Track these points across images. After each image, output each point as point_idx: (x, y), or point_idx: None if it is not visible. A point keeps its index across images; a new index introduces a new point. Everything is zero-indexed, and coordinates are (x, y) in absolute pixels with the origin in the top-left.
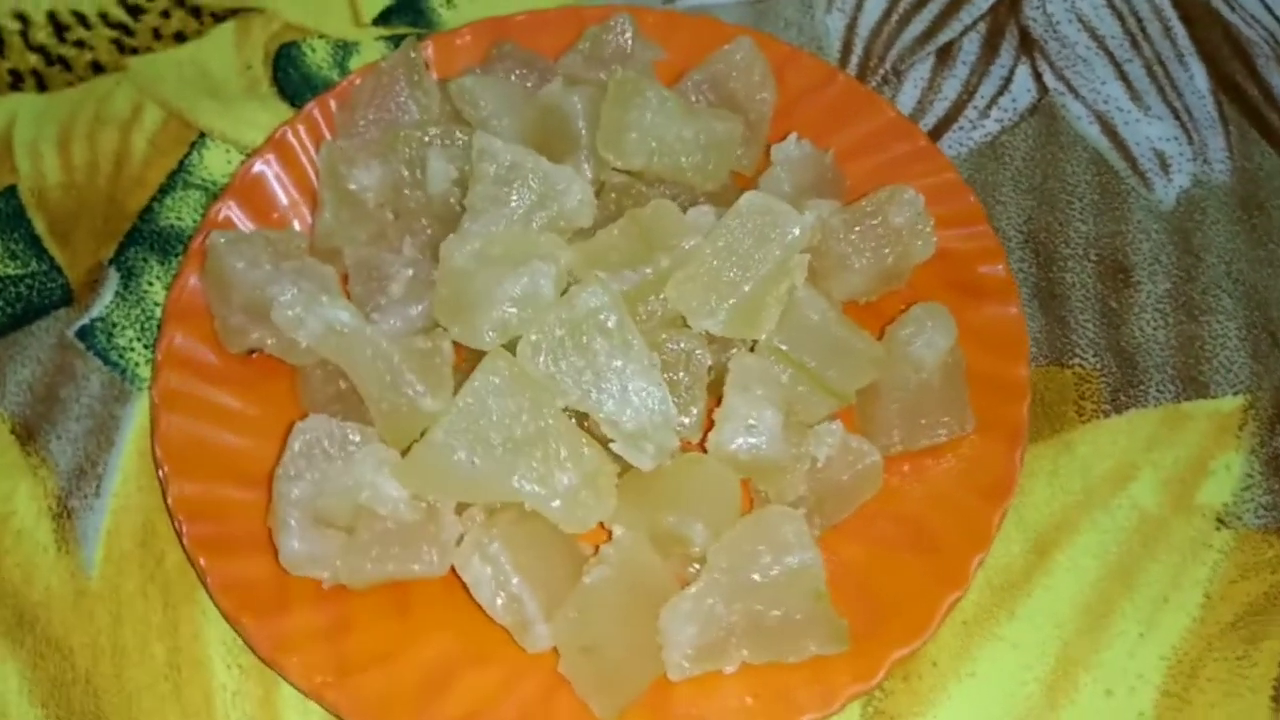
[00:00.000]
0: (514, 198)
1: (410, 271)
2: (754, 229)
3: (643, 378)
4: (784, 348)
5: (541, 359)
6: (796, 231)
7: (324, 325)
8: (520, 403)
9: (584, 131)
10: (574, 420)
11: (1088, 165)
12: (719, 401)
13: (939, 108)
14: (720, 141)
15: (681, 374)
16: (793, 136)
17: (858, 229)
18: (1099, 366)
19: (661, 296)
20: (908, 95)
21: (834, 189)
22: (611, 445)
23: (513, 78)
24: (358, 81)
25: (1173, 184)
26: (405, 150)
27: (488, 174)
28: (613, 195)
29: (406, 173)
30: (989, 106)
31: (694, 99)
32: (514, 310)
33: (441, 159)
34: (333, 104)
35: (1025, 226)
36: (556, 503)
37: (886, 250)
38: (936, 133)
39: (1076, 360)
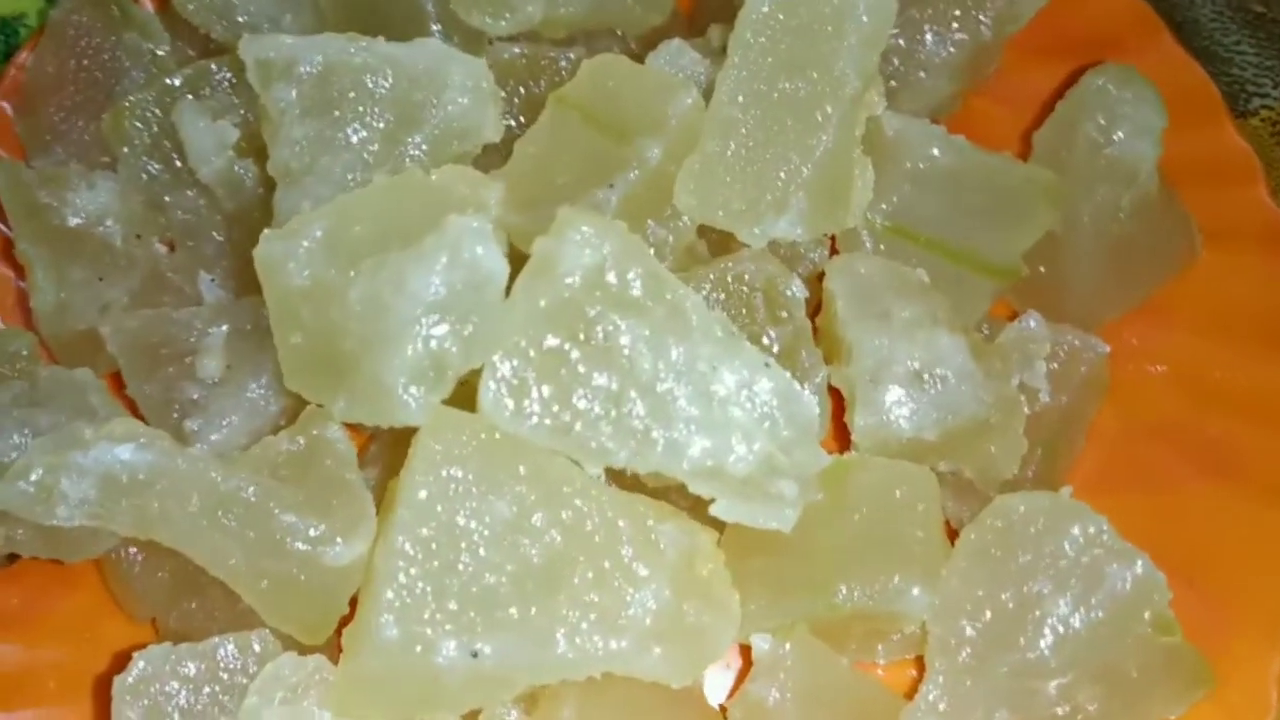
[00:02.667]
0: (351, 126)
1: (223, 327)
2: (794, 31)
3: (730, 364)
4: (898, 221)
5: (528, 402)
6: (866, 14)
7: (96, 482)
8: (513, 504)
9: None
10: (612, 485)
11: None
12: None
13: None
14: None
15: (770, 336)
16: None
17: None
18: None
19: (667, 214)
20: None
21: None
22: (710, 508)
23: None
24: (27, 60)
25: None
26: (138, 128)
27: (289, 101)
28: (509, 82)
29: (156, 164)
30: None
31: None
32: (439, 329)
33: (198, 117)
34: (5, 108)
35: None
36: (653, 651)
37: (974, 15)
38: None
39: None
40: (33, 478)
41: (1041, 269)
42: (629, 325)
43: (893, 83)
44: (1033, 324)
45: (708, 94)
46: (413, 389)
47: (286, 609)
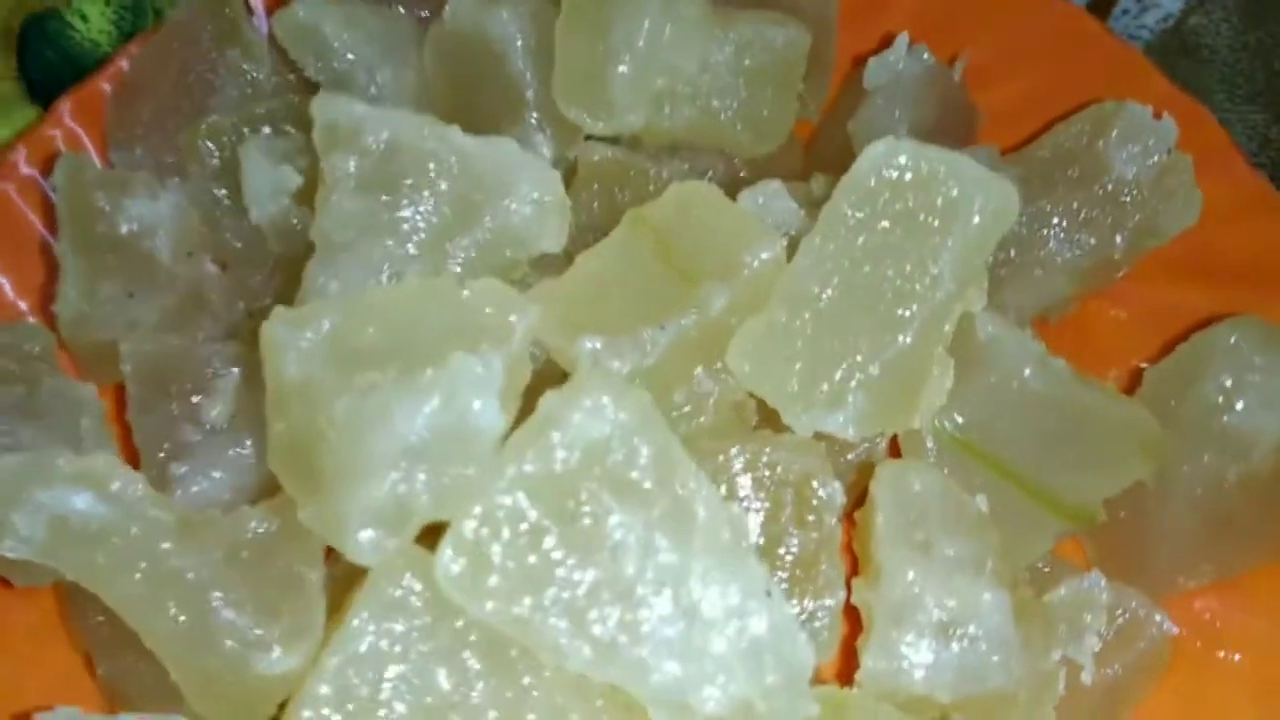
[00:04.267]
0: (403, 211)
1: (236, 371)
2: (897, 215)
3: (726, 583)
4: (969, 435)
5: (487, 581)
6: (980, 215)
7: (47, 523)
8: (453, 675)
9: (530, 78)
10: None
11: None
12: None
13: None
14: (778, 65)
15: (792, 540)
16: (902, 39)
17: (1054, 194)
18: None
19: (718, 367)
20: None
21: (964, 125)
22: None
23: (391, 2)
24: (136, 52)
25: None
26: (210, 149)
27: (347, 171)
28: (593, 185)
29: (221, 188)
30: None
31: None
32: (413, 476)
33: (263, 156)
34: (105, 87)
35: (1261, 152)
36: None
37: (1110, 221)
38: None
39: None
40: None
41: (1122, 514)
42: (622, 514)
43: (1003, 272)
44: (1093, 587)
45: (795, 246)
46: (370, 531)
47: (211, 700)
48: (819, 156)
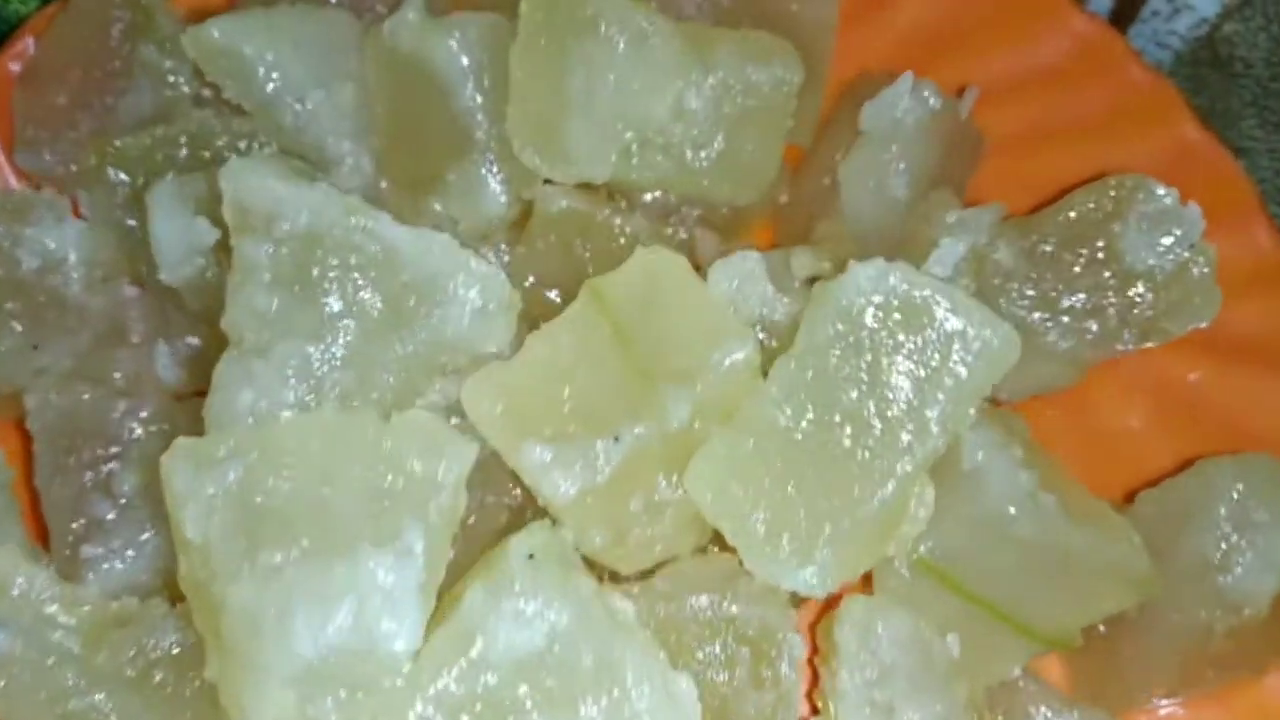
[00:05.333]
0: (324, 317)
1: (153, 433)
2: (884, 345)
3: None
4: (944, 564)
5: None
6: (977, 360)
7: None
8: None
9: (481, 115)
10: None
11: None
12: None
13: None
14: (763, 109)
15: (747, 703)
16: (906, 79)
17: (1061, 275)
18: None
19: (676, 487)
20: None
21: (968, 158)
22: None
23: None
24: (44, 28)
25: None
26: (122, 179)
27: (259, 261)
28: (550, 235)
29: (133, 220)
30: None
31: (686, 6)
32: (326, 701)
33: (174, 208)
34: (12, 67)
35: None
36: None
37: (1118, 313)
38: (1115, 24)
39: None
40: None
41: (1100, 628)
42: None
43: None
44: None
45: (768, 328)
46: None
47: None
48: (805, 194)
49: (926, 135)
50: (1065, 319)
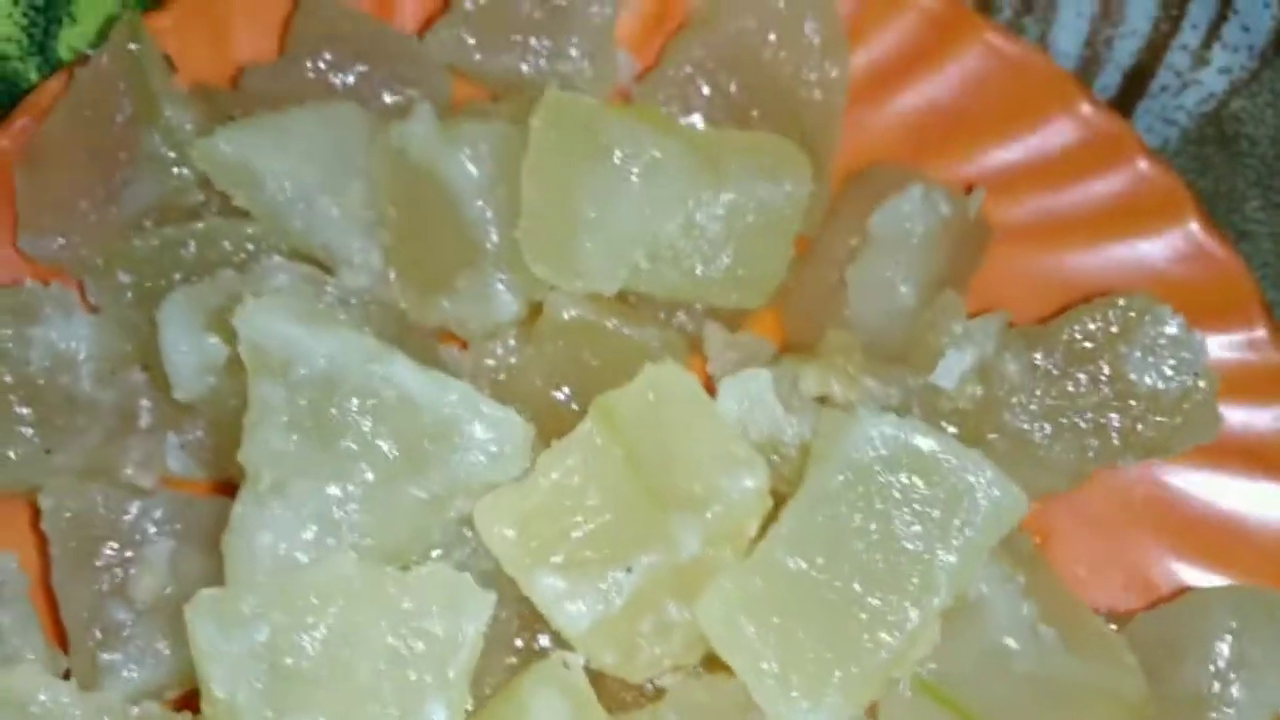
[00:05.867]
0: (342, 460)
1: (170, 541)
2: (896, 500)
3: None
4: (943, 686)
5: None
6: (986, 522)
7: None
8: None
9: (490, 227)
10: None
11: None
12: None
13: (1121, 51)
14: (774, 222)
15: None
16: (916, 190)
17: (1064, 393)
18: None
19: (684, 610)
20: (1067, 32)
21: (974, 253)
22: None
23: (336, 87)
24: (45, 106)
25: None
26: (124, 282)
27: (275, 404)
28: (558, 341)
29: (143, 319)
30: (1205, 47)
31: (695, 98)
32: None
33: (185, 326)
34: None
35: None
36: None
37: (1119, 432)
38: (1123, 100)
39: None
40: None
41: None
42: None
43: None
44: None
45: (772, 448)
46: None
47: None
48: (812, 288)
49: (936, 243)
50: (1068, 435)
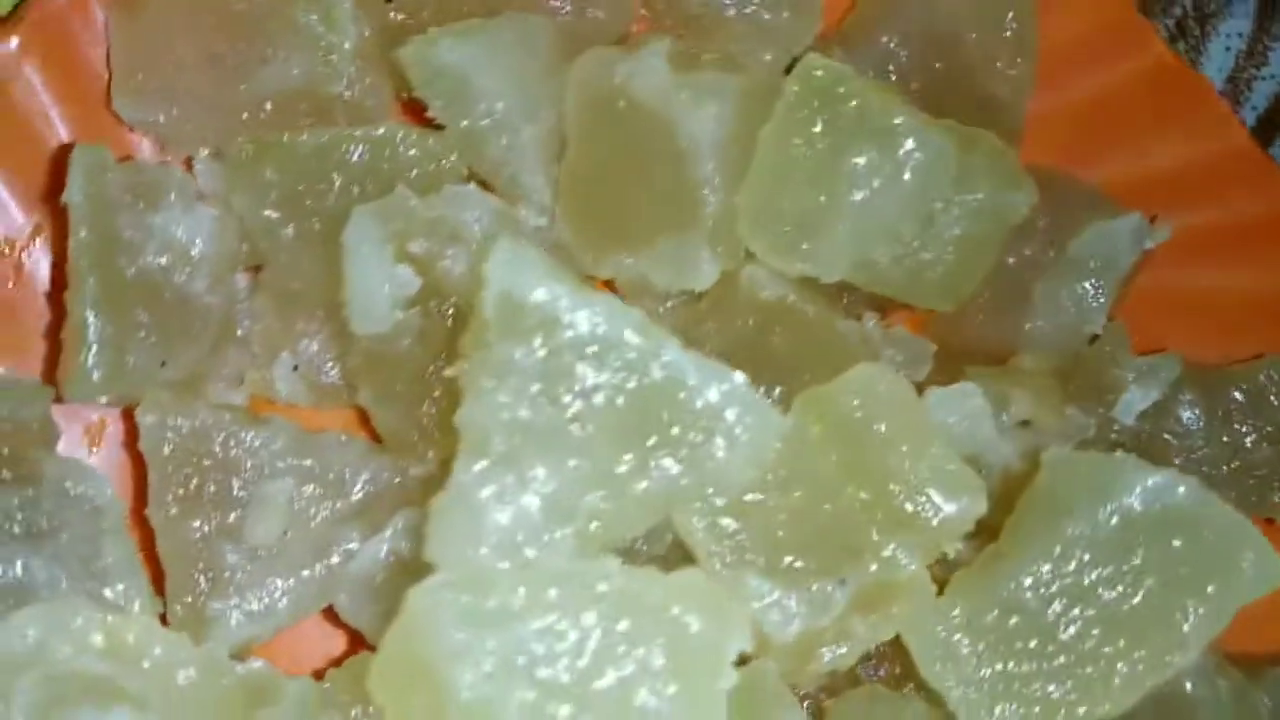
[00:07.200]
0: (588, 431)
1: (289, 478)
2: (1144, 557)
3: None
4: None
5: None
6: (1240, 579)
7: None
8: None
9: (713, 190)
10: None
11: None
12: None
13: (1259, 94)
14: (997, 228)
15: None
16: (1131, 219)
17: (1233, 441)
18: None
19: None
20: (1214, 65)
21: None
22: None
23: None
24: None
25: None
26: (272, 179)
27: (514, 364)
28: (749, 318)
29: (274, 214)
30: None
31: (892, 66)
32: None
33: (376, 251)
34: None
35: None
36: None
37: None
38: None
39: None
40: None
41: None
42: None
43: None
44: None
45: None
46: None
47: None
48: (993, 310)
49: (1129, 278)
50: (1226, 485)
